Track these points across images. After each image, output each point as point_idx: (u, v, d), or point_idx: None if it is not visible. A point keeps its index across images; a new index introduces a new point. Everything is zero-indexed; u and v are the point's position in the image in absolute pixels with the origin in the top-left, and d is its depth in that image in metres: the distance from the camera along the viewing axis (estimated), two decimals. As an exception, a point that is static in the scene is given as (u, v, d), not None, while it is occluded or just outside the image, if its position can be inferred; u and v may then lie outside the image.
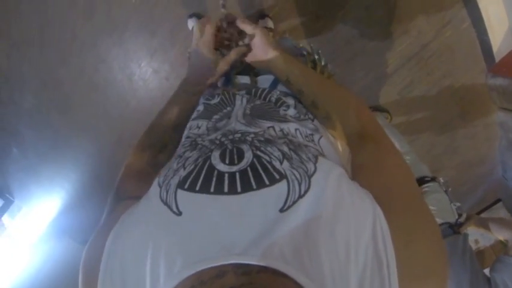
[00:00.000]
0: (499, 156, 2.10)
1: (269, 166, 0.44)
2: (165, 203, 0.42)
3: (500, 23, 1.70)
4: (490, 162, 2.29)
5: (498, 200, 2.33)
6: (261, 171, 0.43)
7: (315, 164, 0.45)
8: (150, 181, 0.60)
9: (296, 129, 0.56)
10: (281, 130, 0.56)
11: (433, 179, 1.41)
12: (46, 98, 2.35)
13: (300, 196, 0.40)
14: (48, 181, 2.76)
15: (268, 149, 0.47)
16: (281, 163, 0.44)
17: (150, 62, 2.10)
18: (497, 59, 1.83)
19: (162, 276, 0.37)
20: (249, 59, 0.72)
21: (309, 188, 0.41)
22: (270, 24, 1.88)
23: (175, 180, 0.45)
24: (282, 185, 0.41)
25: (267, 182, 0.42)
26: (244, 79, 0.80)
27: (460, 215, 1.35)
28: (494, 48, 1.80)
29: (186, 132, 0.63)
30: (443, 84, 2.08)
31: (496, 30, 1.73)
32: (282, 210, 0.39)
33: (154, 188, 0.47)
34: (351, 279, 0.36)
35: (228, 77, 0.82)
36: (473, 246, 2.40)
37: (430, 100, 2.14)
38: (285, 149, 0.48)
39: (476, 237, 2.36)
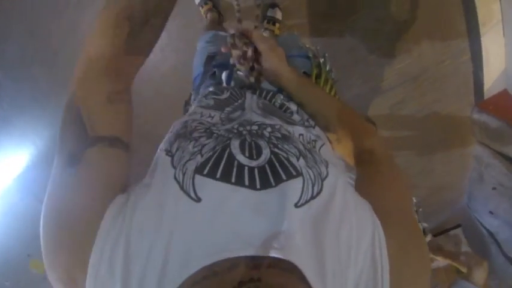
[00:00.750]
0: (468, 186, 2.22)
1: (286, 162, 0.44)
2: (181, 187, 0.39)
3: (497, 63, 1.77)
4: (458, 190, 2.41)
5: (458, 226, 2.48)
6: (279, 167, 0.43)
7: (326, 168, 0.46)
8: (127, 90, 0.49)
9: (300, 135, 0.55)
10: (288, 132, 0.55)
11: None
12: (31, 49, 2.19)
13: (312, 197, 0.41)
14: (19, 134, 2.62)
15: (285, 146, 0.48)
16: (298, 159, 0.45)
17: (149, 29, 2.00)
18: (487, 96, 1.91)
19: (177, 264, 0.35)
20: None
21: (320, 190, 0.42)
22: (279, 15, 1.85)
23: (192, 166, 0.42)
24: (298, 182, 0.42)
25: (284, 177, 0.42)
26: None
27: (425, 235, 1.44)
28: (486, 86, 1.87)
29: (196, 117, 0.55)
30: (433, 108, 2.15)
31: (491, 69, 1.80)
32: (296, 206, 0.39)
33: (165, 168, 0.42)
34: (349, 281, 0.38)
35: (230, 74, 0.79)
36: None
37: (417, 121, 2.21)
38: (301, 147, 0.48)
39: (431, 256, 2.51)
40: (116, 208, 0.39)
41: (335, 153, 0.63)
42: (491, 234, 1.98)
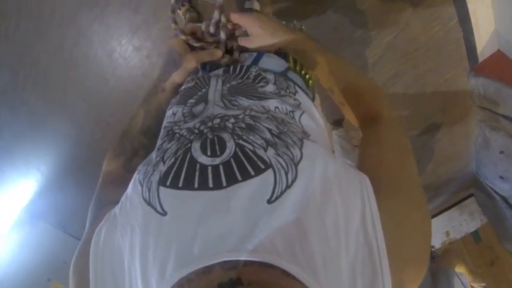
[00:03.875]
0: (475, 153, 2.17)
1: (253, 155, 0.42)
2: (149, 203, 0.41)
3: (487, 25, 1.72)
4: (465, 159, 2.36)
5: (470, 195, 2.43)
6: (245, 162, 0.41)
7: (300, 149, 0.43)
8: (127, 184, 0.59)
9: (276, 107, 0.54)
10: (262, 107, 0.53)
11: None
12: (22, 75, 2.23)
13: (288, 186, 0.38)
14: (23, 163, 2.68)
15: (251, 137, 0.45)
16: (265, 150, 0.42)
17: (132, 39, 2.01)
18: (481, 59, 1.86)
19: (154, 282, 0.35)
20: (253, 44, 0.67)
21: (296, 177, 0.39)
22: (256, 5, 1.82)
23: (155, 177, 0.43)
24: (268, 175, 0.39)
25: (252, 173, 0.40)
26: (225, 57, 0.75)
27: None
28: (479, 49, 1.82)
29: (164, 123, 0.59)
30: (427, 79, 2.10)
31: (481, 32, 1.75)
32: (269, 202, 0.37)
33: (135, 187, 0.45)
34: (342, 266, 0.36)
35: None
36: (444, 238, 2.52)
37: (413, 94, 2.16)
38: (268, 136, 0.45)
39: (448, 229, 2.47)
40: (100, 227, 0.45)
41: (320, 118, 0.62)
42: (504, 199, 1.94)
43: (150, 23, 1.94)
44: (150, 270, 0.36)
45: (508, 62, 1.67)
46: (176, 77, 0.66)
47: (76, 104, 2.31)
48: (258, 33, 0.65)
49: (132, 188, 0.45)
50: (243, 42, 0.68)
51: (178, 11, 1.84)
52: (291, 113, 0.54)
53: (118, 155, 0.66)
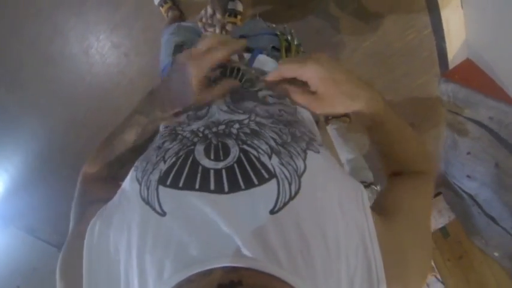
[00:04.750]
0: (443, 153, 2.30)
1: (257, 163, 0.42)
2: (147, 203, 0.40)
3: (458, 35, 1.83)
4: (435, 159, 2.48)
5: (438, 193, 2.57)
6: (249, 169, 0.41)
7: (304, 160, 0.42)
8: (117, 182, 0.55)
9: (280, 110, 0.53)
10: (267, 111, 0.52)
11: (369, 185, 1.54)
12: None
13: (291, 198, 0.39)
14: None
15: (255, 142, 0.45)
16: (270, 158, 0.42)
17: (110, 36, 1.93)
18: (451, 66, 1.97)
19: (152, 282, 0.35)
20: (325, 110, 0.47)
21: (299, 189, 0.39)
22: (240, 7, 1.83)
23: (155, 176, 0.42)
24: (272, 185, 0.39)
25: (256, 182, 0.39)
26: None
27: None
28: (450, 57, 1.93)
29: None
30: (401, 82, 2.18)
31: (453, 41, 1.85)
32: (272, 212, 0.37)
33: (132, 184, 0.43)
34: (342, 279, 0.37)
35: None
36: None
37: (387, 96, 2.22)
38: (273, 143, 0.45)
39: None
40: (94, 222, 0.43)
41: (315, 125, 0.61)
42: (471, 196, 2.07)
43: (131, 20, 1.88)
44: (147, 270, 0.36)
45: (476, 70, 1.79)
46: (181, 108, 0.54)
47: (49, 102, 2.19)
48: (330, 93, 0.45)
49: (130, 185, 0.44)
50: (310, 105, 0.48)
51: (161, 8, 1.81)
52: (295, 115, 0.54)
53: (102, 165, 0.58)
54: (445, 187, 2.38)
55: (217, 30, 0.68)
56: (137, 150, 0.55)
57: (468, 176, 2.05)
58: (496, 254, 1.97)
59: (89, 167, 0.59)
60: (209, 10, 0.65)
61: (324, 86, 0.45)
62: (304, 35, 1.87)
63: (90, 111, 2.22)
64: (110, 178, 0.59)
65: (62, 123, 2.28)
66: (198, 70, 0.49)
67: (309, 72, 0.45)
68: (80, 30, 1.91)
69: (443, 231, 2.33)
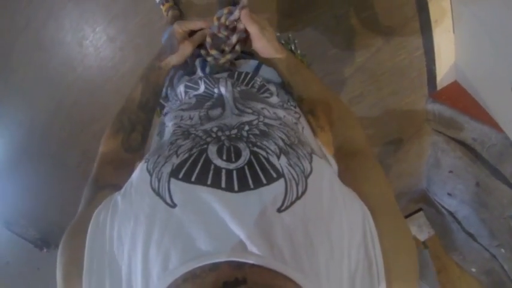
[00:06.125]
0: (426, 171, 2.38)
1: (266, 163, 0.43)
2: (157, 194, 0.40)
3: (448, 58, 1.91)
4: (417, 176, 2.57)
5: (419, 209, 2.65)
6: (259, 170, 0.42)
7: (310, 163, 0.45)
8: (128, 168, 0.60)
9: (284, 116, 0.56)
10: (275, 113, 0.56)
11: None
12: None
13: (298, 197, 0.40)
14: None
15: (265, 142, 0.47)
16: (278, 158, 0.44)
17: (107, 28, 1.90)
18: (439, 87, 2.05)
19: (156, 273, 0.35)
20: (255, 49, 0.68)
21: (305, 189, 0.41)
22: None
23: (167, 168, 0.42)
24: (280, 184, 0.41)
25: (265, 181, 0.41)
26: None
27: None
28: (438, 78, 2.01)
29: (176, 121, 0.59)
30: (390, 100, 2.26)
31: (442, 63, 1.94)
32: (280, 210, 0.38)
33: (142, 174, 0.44)
34: (344, 277, 0.38)
35: (204, 61, 0.77)
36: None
37: (376, 113, 2.31)
38: (281, 143, 0.47)
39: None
40: (100, 210, 0.44)
41: (315, 138, 0.63)
42: (451, 213, 2.14)
43: (129, 14, 1.86)
44: (152, 260, 0.36)
45: (463, 93, 1.87)
46: (173, 59, 0.70)
47: (35, 89, 2.11)
48: (256, 33, 0.64)
49: (139, 176, 0.45)
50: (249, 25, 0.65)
51: (161, 6, 1.80)
52: (295, 125, 0.57)
53: (116, 131, 0.66)
54: (426, 203, 2.46)
55: (234, 40, 0.69)
56: (144, 109, 0.68)
57: (449, 194, 2.13)
58: (473, 269, 2.03)
59: (105, 143, 0.66)
60: (236, 13, 0.65)
61: (255, 27, 0.63)
62: (300, 45, 1.93)
63: (78, 102, 2.15)
64: (124, 152, 0.64)
65: (46, 113, 2.20)
66: (181, 26, 0.68)
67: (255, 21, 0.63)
68: (76, 18, 1.86)
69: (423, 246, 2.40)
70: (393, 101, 2.26)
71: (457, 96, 1.89)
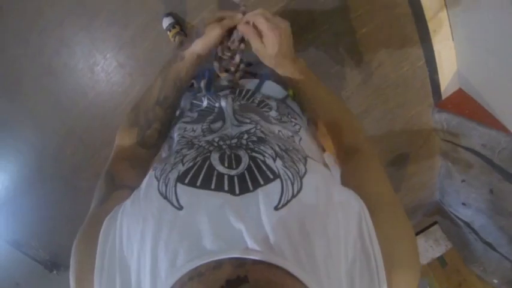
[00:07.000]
0: (438, 183, 2.33)
1: (263, 165, 0.46)
2: (165, 197, 0.43)
3: (450, 66, 1.93)
4: (430, 188, 2.52)
5: (435, 223, 2.57)
6: (256, 172, 0.45)
7: (304, 165, 0.48)
8: (144, 165, 0.62)
9: (279, 131, 0.59)
10: (268, 128, 0.59)
11: None
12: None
13: (293, 196, 0.42)
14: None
15: (262, 147, 0.50)
16: (274, 160, 0.47)
17: (117, 55, 1.99)
18: (444, 96, 2.05)
19: (164, 270, 0.37)
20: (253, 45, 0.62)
21: (301, 188, 0.43)
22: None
23: (174, 175, 0.46)
24: (276, 184, 0.43)
25: (262, 182, 0.44)
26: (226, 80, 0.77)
27: None
28: (442, 87, 2.02)
29: (180, 132, 0.64)
30: (396, 113, 2.26)
31: (445, 72, 1.95)
32: (276, 208, 0.41)
33: (150, 181, 0.47)
34: (342, 271, 0.39)
35: (209, 82, 0.82)
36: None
37: (382, 127, 2.31)
38: (277, 148, 0.50)
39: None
40: (112, 214, 0.46)
41: (316, 144, 0.66)
42: (467, 224, 2.08)
43: (138, 41, 1.95)
44: (161, 257, 0.38)
45: (468, 99, 1.87)
46: (198, 45, 0.62)
47: (48, 114, 2.18)
48: (269, 50, 0.60)
49: (147, 183, 0.48)
50: (250, 36, 0.60)
51: (168, 32, 1.88)
52: (292, 138, 0.59)
53: (131, 125, 0.66)
54: (440, 216, 2.40)
55: (237, 59, 0.70)
56: (162, 105, 0.65)
57: (463, 204, 2.07)
58: (495, 280, 1.95)
59: (120, 136, 0.67)
60: (235, 33, 0.67)
61: (271, 45, 0.59)
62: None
63: (90, 128, 2.21)
64: (140, 148, 0.65)
65: (58, 137, 2.26)
66: (212, 15, 0.63)
67: (271, 33, 0.58)
68: (87, 45, 1.95)
69: (441, 260, 2.32)
70: (400, 114, 2.26)
71: (463, 103, 1.89)
